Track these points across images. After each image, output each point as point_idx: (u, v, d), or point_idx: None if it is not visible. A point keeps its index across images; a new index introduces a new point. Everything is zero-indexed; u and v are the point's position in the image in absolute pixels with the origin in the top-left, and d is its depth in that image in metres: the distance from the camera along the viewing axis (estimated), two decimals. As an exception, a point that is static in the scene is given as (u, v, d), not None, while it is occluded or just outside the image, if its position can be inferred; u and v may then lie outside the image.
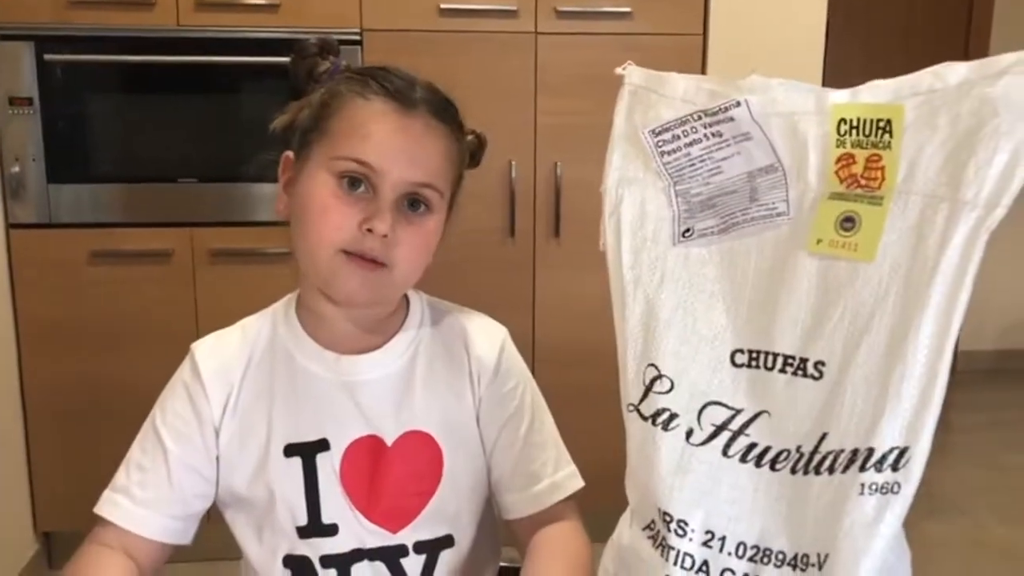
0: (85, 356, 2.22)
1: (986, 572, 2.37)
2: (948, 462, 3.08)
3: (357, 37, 2.15)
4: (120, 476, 0.92)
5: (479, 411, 0.97)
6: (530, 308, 2.32)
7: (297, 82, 0.94)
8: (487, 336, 0.99)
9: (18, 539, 2.22)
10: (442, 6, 2.14)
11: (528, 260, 2.31)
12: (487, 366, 0.97)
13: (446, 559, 0.94)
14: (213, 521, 0.98)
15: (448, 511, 0.94)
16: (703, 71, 2.23)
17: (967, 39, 3.89)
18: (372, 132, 0.85)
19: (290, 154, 0.93)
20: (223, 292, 2.20)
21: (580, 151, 2.22)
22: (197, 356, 0.94)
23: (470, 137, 0.97)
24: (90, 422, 2.24)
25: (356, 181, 0.85)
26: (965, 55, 3.83)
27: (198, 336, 2.35)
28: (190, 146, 2.20)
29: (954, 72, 0.55)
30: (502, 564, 1.05)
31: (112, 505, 0.90)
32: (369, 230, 0.84)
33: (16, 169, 2.13)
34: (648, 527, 0.63)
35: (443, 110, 0.90)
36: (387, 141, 0.85)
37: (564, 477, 0.96)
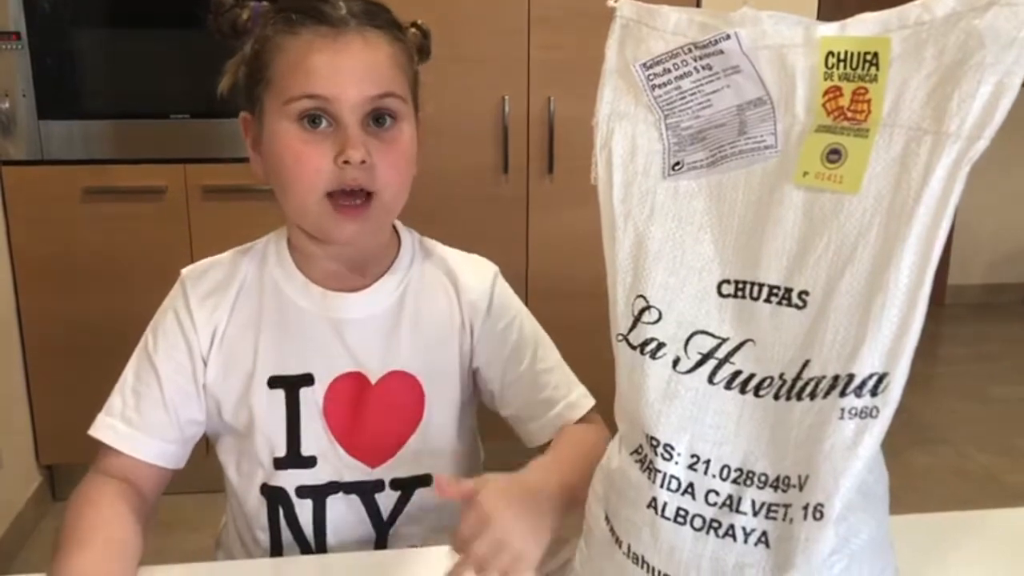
0: (81, 292, 2.24)
1: (968, 498, 2.44)
2: (933, 393, 3.14)
3: (347, -32, 2.11)
4: (115, 400, 0.94)
5: (476, 353, 0.99)
6: (523, 244, 2.34)
7: (224, 40, 0.92)
8: (477, 278, 1.00)
9: (22, 472, 2.27)
10: (434, -64, 2.11)
11: (522, 196, 2.32)
12: (479, 308, 0.98)
13: (421, 496, 0.97)
14: (212, 455, 1.01)
15: (427, 451, 0.96)
16: (698, 3, 2.21)
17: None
18: (313, 64, 0.84)
19: (246, 115, 0.92)
20: (217, 228, 2.21)
21: (573, 86, 2.21)
22: (188, 286, 0.95)
23: (412, 31, 0.95)
24: (88, 356, 2.26)
25: (316, 118, 0.84)
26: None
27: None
28: (182, 81, 2.18)
29: (942, 4, 0.55)
30: None
31: (108, 429, 0.92)
32: (346, 162, 0.84)
33: (6, 105, 2.11)
34: (636, 451, 0.65)
35: (375, 16, 0.88)
36: (329, 66, 0.84)
37: (578, 396, 0.98)
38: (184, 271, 0.97)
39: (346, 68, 0.84)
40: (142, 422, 0.92)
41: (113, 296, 2.24)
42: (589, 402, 0.99)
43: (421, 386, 0.96)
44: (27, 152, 2.16)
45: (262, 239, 1.00)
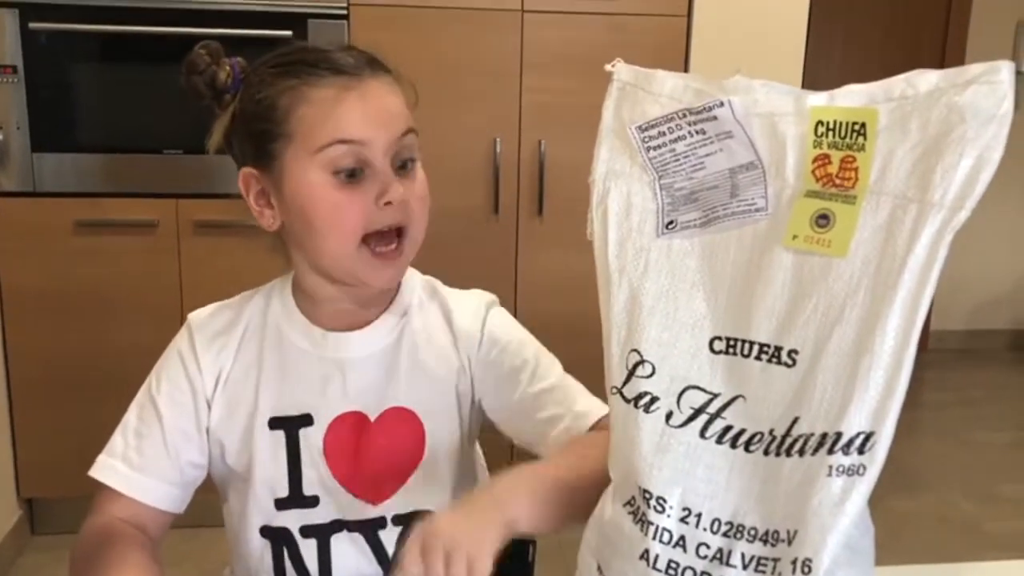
0: (69, 325, 2.23)
1: (951, 546, 2.45)
2: (917, 438, 3.16)
3: (343, 11, 2.15)
4: (116, 441, 0.94)
5: (476, 390, 1.00)
6: (512, 283, 2.35)
7: (201, 98, 0.93)
8: (469, 316, 1.00)
9: (1, 506, 2.24)
10: (430, -18, 2.15)
11: (511, 238, 2.34)
12: (472, 346, 0.99)
13: None
14: (199, 489, 1.01)
15: (428, 486, 0.97)
16: (687, 53, 2.26)
17: (946, 25, 3.94)
18: (343, 112, 0.86)
19: (250, 170, 0.92)
20: (207, 263, 2.22)
21: (564, 129, 2.25)
22: (194, 329, 0.96)
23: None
24: (73, 390, 2.25)
25: (353, 172, 0.87)
26: (943, 41, 3.87)
27: (182, 306, 2.37)
28: (176, 117, 2.20)
29: (925, 80, 0.58)
30: None
31: (110, 470, 0.92)
32: (387, 203, 0.87)
33: (0, 137, 2.12)
34: (629, 503, 0.66)
35: (378, 64, 0.91)
36: (359, 112, 0.87)
37: (587, 406, 0.94)
38: (191, 315, 0.98)
39: (373, 112, 0.88)
40: (144, 463, 0.92)
41: (101, 329, 2.23)
42: (602, 410, 0.93)
43: (421, 422, 0.97)
44: (20, 184, 2.17)
45: (267, 285, 1.01)
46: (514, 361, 0.98)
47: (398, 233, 0.90)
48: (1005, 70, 0.56)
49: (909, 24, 3.89)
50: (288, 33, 2.10)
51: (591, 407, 0.94)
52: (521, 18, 2.22)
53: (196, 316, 0.98)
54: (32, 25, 2.08)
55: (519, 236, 2.35)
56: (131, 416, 0.95)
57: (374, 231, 0.88)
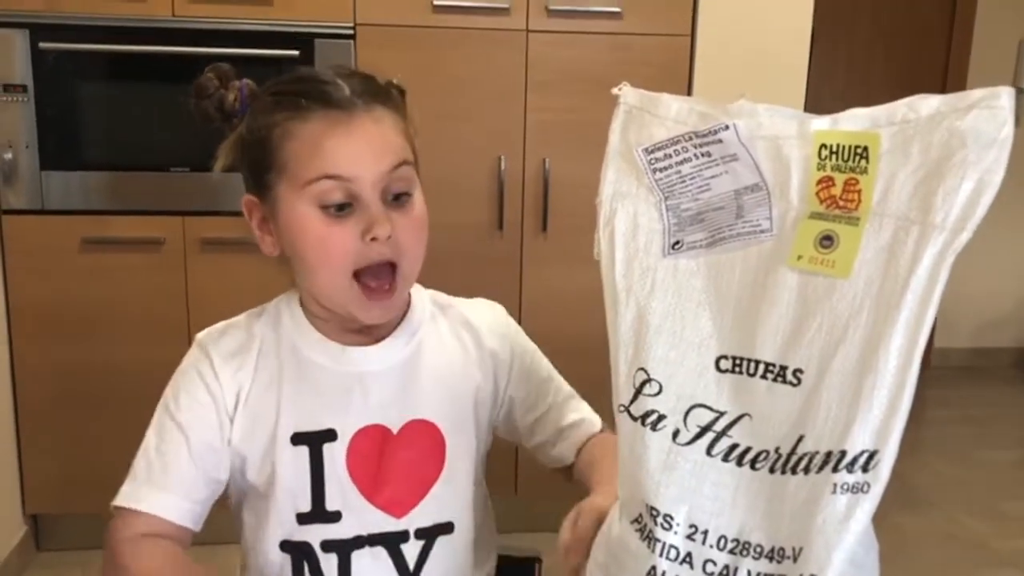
0: (76, 342, 2.24)
1: (956, 564, 2.44)
2: (921, 456, 3.15)
3: (350, 31, 2.17)
4: (139, 467, 0.93)
5: (503, 399, 1.04)
6: (517, 300, 2.36)
7: (210, 122, 0.94)
8: (495, 325, 1.05)
9: (7, 521, 2.25)
10: (435, 2, 2.17)
11: (516, 254, 2.35)
12: (502, 358, 1.04)
13: (443, 545, 0.98)
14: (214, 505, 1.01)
15: (449, 497, 0.98)
16: (690, 72, 2.27)
17: (949, 44, 3.96)
18: (328, 148, 0.86)
19: (251, 197, 0.94)
20: (214, 280, 2.23)
21: (569, 148, 2.26)
22: (209, 347, 0.96)
23: (395, 91, 0.96)
24: (79, 407, 2.26)
25: (342, 206, 0.87)
26: (946, 60, 3.89)
27: (189, 324, 2.38)
28: (182, 136, 2.22)
29: (927, 104, 0.59)
30: (500, 553, 1.09)
31: (132, 496, 0.91)
32: (373, 239, 0.86)
33: (9, 155, 2.14)
34: (636, 520, 0.67)
35: (374, 94, 0.91)
36: (345, 148, 0.87)
37: (592, 413, 1.06)
38: (201, 336, 0.98)
39: (361, 148, 0.87)
40: (169, 483, 0.92)
41: (108, 346, 2.24)
42: (598, 418, 1.06)
43: (442, 434, 0.98)
44: (28, 202, 2.18)
45: (272, 302, 1.01)
46: (539, 368, 1.07)
47: (392, 266, 0.90)
48: (1005, 96, 0.57)
49: (911, 42, 3.92)
50: (295, 53, 2.13)
51: (594, 415, 1.06)
52: (526, 38, 2.24)
53: (207, 336, 0.98)
54: (42, 45, 2.10)
55: (523, 253, 2.36)
56: (150, 441, 0.94)
57: (364, 267, 0.88)
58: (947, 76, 3.91)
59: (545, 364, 1.08)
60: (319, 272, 0.89)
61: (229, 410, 0.95)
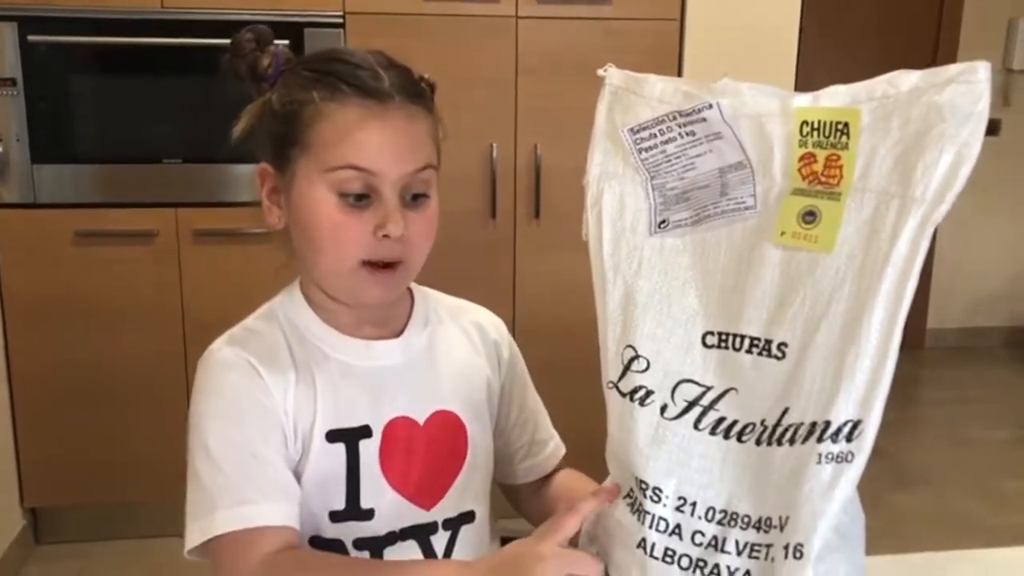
0: (71, 335, 2.25)
1: (950, 542, 2.46)
2: (915, 436, 3.17)
3: (339, 20, 2.17)
4: (212, 493, 0.84)
5: (503, 393, 1.05)
6: (510, 288, 2.37)
7: (241, 82, 0.92)
8: (495, 323, 1.07)
9: (5, 515, 2.25)
10: (425, -10, 2.17)
11: (508, 241, 2.36)
12: (503, 354, 1.05)
13: (466, 534, 0.98)
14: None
15: (471, 486, 0.98)
16: (679, 57, 2.28)
17: (939, 24, 3.97)
18: (359, 138, 0.85)
19: (266, 166, 0.91)
20: (207, 271, 2.24)
21: (560, 134, 2.27)
22: (245, 355, 0.90)
23: (426, 87, 0.93)
24: (76, 399, 2.27)
25: (360, 196, 0.85)
26: (936, 41, 3.89)
27: (183, 315, 2.37)
28: (174, 127, 2.22)
29: (906, 80, 0.60)
30: (502, 536, 1.09)
31: (227, 520, 0.83)
32: (385, 236, 0.85)
33: (0, 149, 2.14)
34: (627, 495, 0.68)
35: (415, 92, 0.89)
36: (376, 142, 0.85)
37: (558, 440, 1.07)
38: (223, 349, 0.92)
39: (391, 144, 0.86)
40: (271, 490, 0.86)
41: (103, 339, 2.25)
42: (562, 446, 1.08)
43: (464, 424, 0.98)
44: (20, 195, 2.18)
45: (275, 303, 0.98)
46: (524, 378, 1.08)
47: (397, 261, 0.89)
48: (982, 70, 0.58)
49: (901, 24, 3.92)
50: (285, 43, 2.11)
51: (559, 442, 1.08)
52: (516, 24, 2.24)
53: (230, 346, 0.92)
54: (31, 38, 2.10)
55: (516, 240, 2.37)
56: (213, 464, 0.85)
57: (374, 259, 0.87)
58: (937, 56, 3.91)
59: (526, 371, 1.09)
60: (326, 255, 0.88)
61: (288, 411, 0.90)
